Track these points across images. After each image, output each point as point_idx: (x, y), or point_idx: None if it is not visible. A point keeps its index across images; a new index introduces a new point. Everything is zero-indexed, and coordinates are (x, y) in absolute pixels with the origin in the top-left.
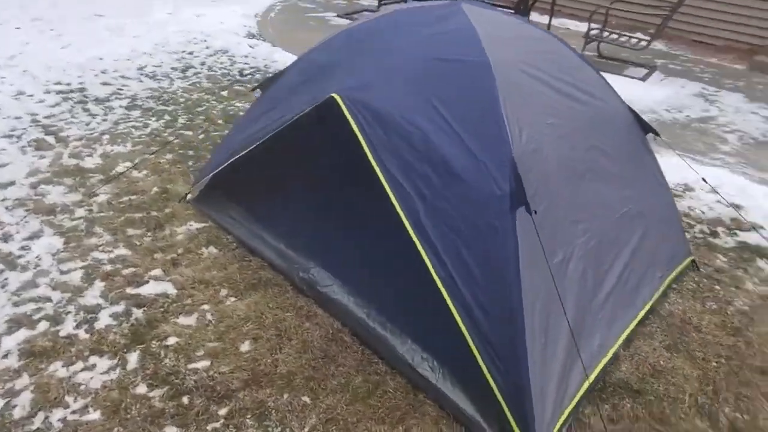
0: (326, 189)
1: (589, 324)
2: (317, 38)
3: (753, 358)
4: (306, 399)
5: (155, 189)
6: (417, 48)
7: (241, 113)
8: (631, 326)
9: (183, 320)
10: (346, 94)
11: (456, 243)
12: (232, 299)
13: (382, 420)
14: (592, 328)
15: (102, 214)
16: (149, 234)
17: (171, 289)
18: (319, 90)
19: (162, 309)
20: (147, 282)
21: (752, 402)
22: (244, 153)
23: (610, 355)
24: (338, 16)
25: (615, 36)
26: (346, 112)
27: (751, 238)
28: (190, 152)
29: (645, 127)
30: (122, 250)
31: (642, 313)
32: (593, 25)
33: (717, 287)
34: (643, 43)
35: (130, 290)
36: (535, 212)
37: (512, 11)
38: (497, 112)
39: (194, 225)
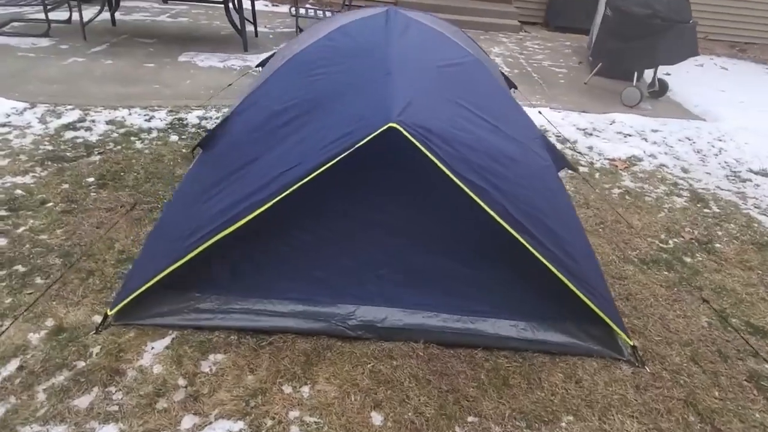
0: (357, 223)
1: None
2: None
3: (604, 216)
4: (472, 419)
5: (38, 336)
6: (417, 60)
7: (23, 193)
8: None
9: None
10: (401, 120)
11: (538, 216)
12: (306, 388)
13: (531, 389)
14: None
15: (12, 404)
16: (115, 389)
17: (234, 425)
18: (350, 123)
19: None
20: None
21: (632, 240)
22: (235, 226)
23: None
24: None
25: (320, 13)
26: (412, 139)
27: None
28: (19, 268)
29: (509, 84)
30: (108, 428)
31: None
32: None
33: None
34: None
35: None
36: (578, 170)
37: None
38: (511, 99)
39: (157, 345)
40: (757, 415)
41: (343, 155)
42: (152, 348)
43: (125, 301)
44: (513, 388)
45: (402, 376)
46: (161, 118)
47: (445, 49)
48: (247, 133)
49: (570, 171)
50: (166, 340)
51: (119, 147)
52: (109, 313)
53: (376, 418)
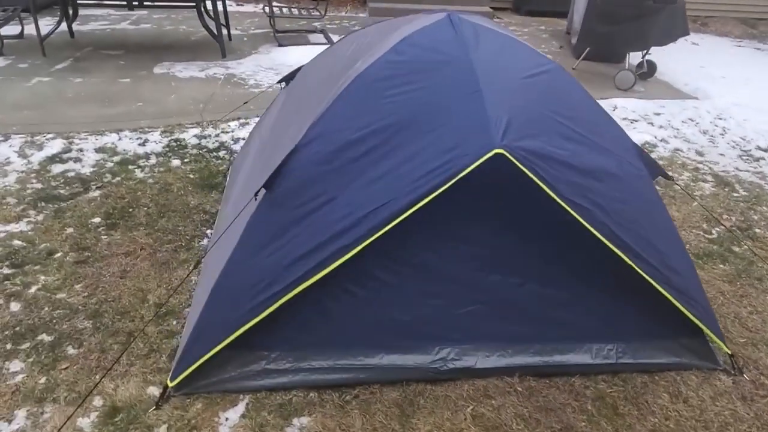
0: (442, 257)
1: None
2: None
3: None
4: None
5: (89, 421)
6: (501, 72)
7: (23, 243)
8: None
9: None
10: (506, 145)
11: (639, 232)
12: None
13: (643, 416)
14: None
15: None
16: None
17: None
18: (446, 151)
19: None
20: None
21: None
22: (318, 277)
23: None
24: None
25: (295, 11)
26: (518, 164)
27: None
28: (44, 337)
29: None
30: None
31: None
32: (274, 4)
33: None
34: (317, 14)
35: None
36: (672, 178)
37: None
38: (599, 106)
39: (231, 415)
40: None
41: (442, 189)
42: (227, 419)
43: (190, 369)
44: (624, 416)
45: (507, 417)
46: (156, 141)
47: (525, 56)
48: (317, 168)
49: (664, 179)
50: (240, 408)
51: (118, 178)
52: (169, 384)
53: None
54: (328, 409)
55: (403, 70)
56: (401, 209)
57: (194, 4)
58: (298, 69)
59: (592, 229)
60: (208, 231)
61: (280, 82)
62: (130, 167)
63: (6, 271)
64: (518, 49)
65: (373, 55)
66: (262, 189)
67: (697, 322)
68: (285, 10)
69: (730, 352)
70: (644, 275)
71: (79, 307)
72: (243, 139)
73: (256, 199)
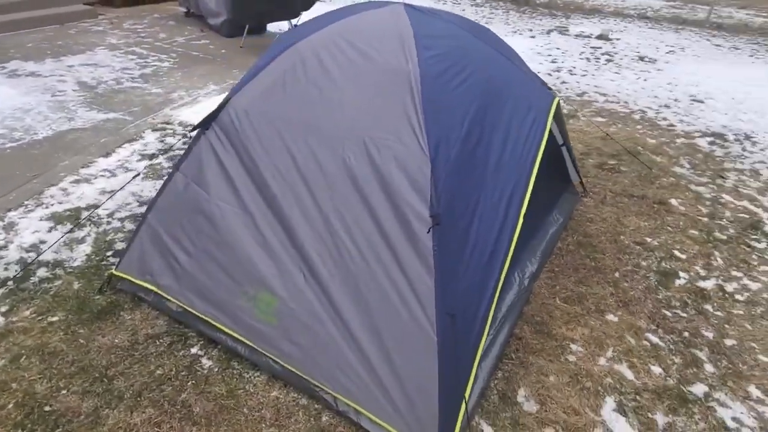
0: None
1: None
2: None
3: None
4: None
5: None
6: (486, 39)
7: None
8: None
9: None
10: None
11: None
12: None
13: (600, 237)
14: None
15: None
16: None
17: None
18: (527, 113)
19: None
20: None
21: None
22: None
23: None
24: None
25: None
26: (562, 104)
27: None
28: None
29: None
30: None
31: None
32: None
33: None
34: None
35: None
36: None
37: None
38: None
39: None
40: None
41: (544, 141)
42: None
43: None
44: (599, 244)
45: (583, 290)
46: None
47: (471, 22)
48: (457, 175)
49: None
50: None
51: None
52: None
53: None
54: (512, 373)
55: (449, 61)
56: (529, 173)
57: None
58: (219, 109)
59: (554, 132)
60: (200, 341)
61: (195, 129)
62: None
63: None
64: (461, 18)
65: (395, 56)
66: (427, 220)
67: (576, 169)
68: None
69: (582, 182)
70: (564, 151)
71: None
72: (55, 229)
73: (429, 232)
